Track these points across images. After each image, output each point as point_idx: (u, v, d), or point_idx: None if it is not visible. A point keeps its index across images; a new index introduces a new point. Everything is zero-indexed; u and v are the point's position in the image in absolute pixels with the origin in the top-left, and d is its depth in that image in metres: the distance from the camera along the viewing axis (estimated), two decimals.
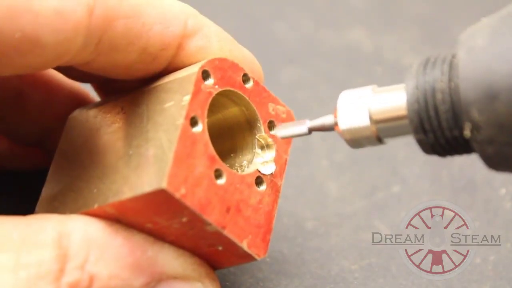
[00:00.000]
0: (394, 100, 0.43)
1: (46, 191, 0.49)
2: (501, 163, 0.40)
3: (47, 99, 0.54)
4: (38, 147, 0.56)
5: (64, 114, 0.52)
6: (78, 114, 0.50)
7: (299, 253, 0.56)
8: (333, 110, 0.45)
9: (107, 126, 0.48)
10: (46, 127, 0.54)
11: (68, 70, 0.50)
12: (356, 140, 0.44)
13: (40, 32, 0.41)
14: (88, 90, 0.55)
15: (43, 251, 0.42)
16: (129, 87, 0.49)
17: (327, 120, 0.45)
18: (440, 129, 0.41)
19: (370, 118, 0.43)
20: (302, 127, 0.47)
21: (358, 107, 0.44)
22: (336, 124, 0.45)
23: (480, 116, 0.39)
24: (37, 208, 0.49)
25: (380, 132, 0.44)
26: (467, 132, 0.40)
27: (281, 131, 0.48)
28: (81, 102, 0.54)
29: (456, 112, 0.41)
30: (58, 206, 0.47)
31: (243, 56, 0.49)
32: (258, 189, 0.47)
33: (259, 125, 0.49)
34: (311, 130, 0.46)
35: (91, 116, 0.49)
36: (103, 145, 0.47)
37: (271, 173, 0.48)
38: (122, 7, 0.44)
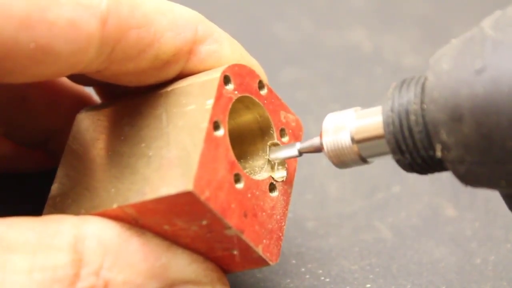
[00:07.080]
0: (374, 121, 0.44)
1: (57, 188, 0.48)
2: (474, 181, 0.41)
3: (51, 101, 0.53)
4: (42, 149, 0.56)
5: (68, 116, 0.52)
6: (88, 113, 0.50)
7: (299, 253, 0.56)
8: (319, 133, 0.47)
9: (121, 127, 0.48)
10: (50, 128, 0.54)
11: (73, 75, 0.50)
12: (342, 161, 0.46)
13: (54, 42, 0.41)
14: (90, 92, 0.55)
15: (59, 255, 0.42)
16: (134, 91, 0.49)
17: (314, 142, 0.47)
18: (416, 149, 0.42)
19: (352, 138, 0.45)
20: (293, 150, 0.48)
21: (340, 128, 0.45)
22: (322, 145, 0.46)
23: (449, 138, 0.40)
24: (47, 205, 0.48)
25: (362, 152, 0.45)
26: (438, 153, 0.41)
27: (273, 154, 0.49)
28: (85, 104, 0.54)
29: (429, 133, 0.42)
30: (71, 204, 0.47)
31: (251, 62, 0.49)
32: (272, 195, 0.47)
33: (271, 132, 0.49)
34: (301, 152, 0.48)
35: (102, 115, 0.49)
36: (118, 145, 0.47)
37: (283, 180, 0.48)
38: (134, 17, 0.44)
